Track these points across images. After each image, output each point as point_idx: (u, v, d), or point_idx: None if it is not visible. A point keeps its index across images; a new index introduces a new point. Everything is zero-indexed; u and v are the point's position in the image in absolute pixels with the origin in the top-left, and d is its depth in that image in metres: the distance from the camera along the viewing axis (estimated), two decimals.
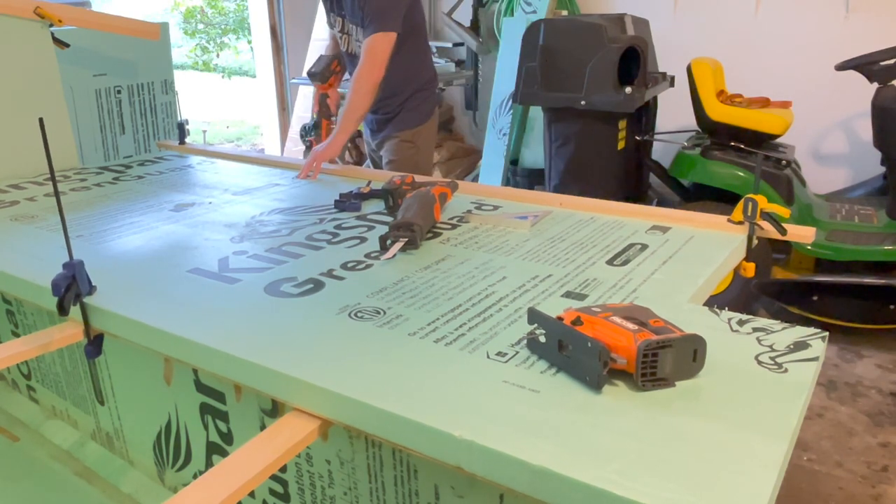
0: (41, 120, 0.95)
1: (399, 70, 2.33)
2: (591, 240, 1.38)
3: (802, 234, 1.41)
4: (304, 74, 2.51)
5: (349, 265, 1.27)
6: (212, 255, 1.36)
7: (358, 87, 2.21)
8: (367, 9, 2.22)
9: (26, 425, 1.68)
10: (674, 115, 3.55)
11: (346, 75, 2.46)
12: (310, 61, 5.04)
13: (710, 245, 1.32)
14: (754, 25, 3.86)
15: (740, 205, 1.37)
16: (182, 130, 2.50)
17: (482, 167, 4.29)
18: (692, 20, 4.01)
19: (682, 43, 3.76)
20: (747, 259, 1.38)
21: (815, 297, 2.70)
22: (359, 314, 1.06)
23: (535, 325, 0.91)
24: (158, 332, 1.05)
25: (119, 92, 2.54)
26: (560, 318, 0.88)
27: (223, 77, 11.45)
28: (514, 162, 4.28)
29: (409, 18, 2.31)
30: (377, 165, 2.70)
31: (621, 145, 2.99)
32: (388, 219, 1.54)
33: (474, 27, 4.70)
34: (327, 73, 2.36)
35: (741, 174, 2.91)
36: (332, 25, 2.48)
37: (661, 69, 3.41)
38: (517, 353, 0.92)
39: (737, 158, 2.95)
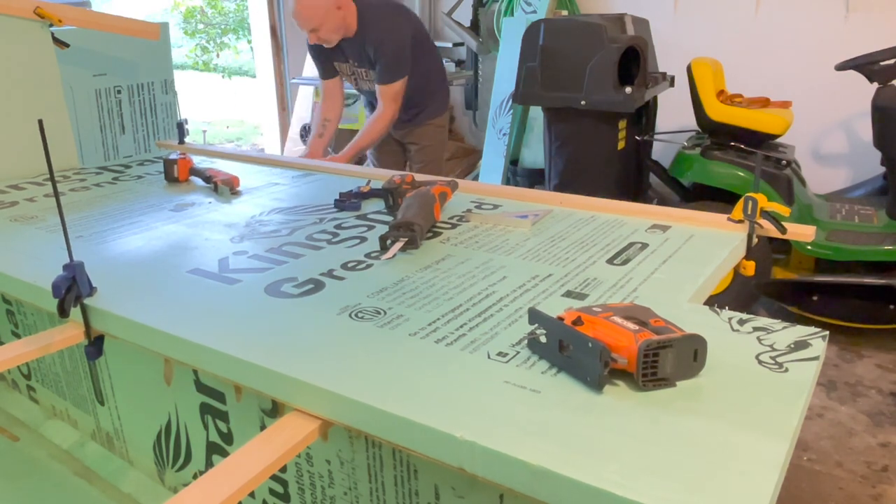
0: (41, 122, 0.95)
1: (420, 78, 2.74)
2: (591, 238, 1.38)
3: (802, 233, 1.41)
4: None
5: (349, 265, 1.27)
6: (212, 255, 1.36)
7: (376, 126, 2.68)
8: (378, 63, 2.61)
9: (26, 425, 1.68)
10: (674, 115, 3.55)
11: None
12: (310, 61, 5.04)
13: (711, 244, 1.32)
14: (754, 25, 3.87)
15: (740, 203, 1.37)
16: (181, 129, 2.50)
17: (482, 167, 4.30)
18: (692, 20, 4.02)
19: (682, 43, 3.77)
20: (747, 257, 1.38)
21: (815, 297, 2.70)
22: (359, 314, 1.06)
23: (536, 325, 0.91)
24: (159, 334, 1.05)
25: (119, 92, 2.55)
26: (560, 319, 0.88)
27: (223, 77, 11.46)
28: (514, 162, 4.29)
29: (418, 45, 2.69)
30: (397, 156, 3.04)
31: (621, 145, 2.99)
32: (388, 218, 1.54)
33: (474, 27, 4.70)
34: None
35: (741, 174, 2.91)
36: (329, 74, 2.84)
37: (661, 69, 3.41)
38: (518, 353, 0.92)
39: (737, 158, 2.95)
